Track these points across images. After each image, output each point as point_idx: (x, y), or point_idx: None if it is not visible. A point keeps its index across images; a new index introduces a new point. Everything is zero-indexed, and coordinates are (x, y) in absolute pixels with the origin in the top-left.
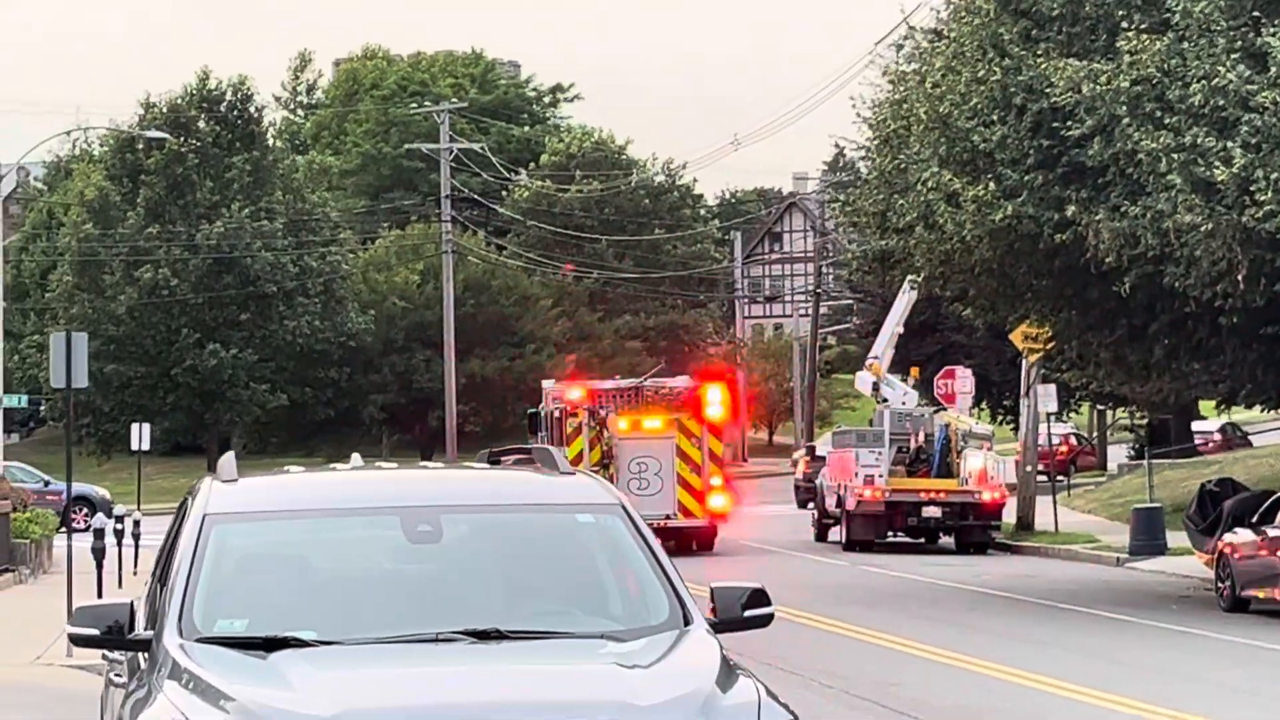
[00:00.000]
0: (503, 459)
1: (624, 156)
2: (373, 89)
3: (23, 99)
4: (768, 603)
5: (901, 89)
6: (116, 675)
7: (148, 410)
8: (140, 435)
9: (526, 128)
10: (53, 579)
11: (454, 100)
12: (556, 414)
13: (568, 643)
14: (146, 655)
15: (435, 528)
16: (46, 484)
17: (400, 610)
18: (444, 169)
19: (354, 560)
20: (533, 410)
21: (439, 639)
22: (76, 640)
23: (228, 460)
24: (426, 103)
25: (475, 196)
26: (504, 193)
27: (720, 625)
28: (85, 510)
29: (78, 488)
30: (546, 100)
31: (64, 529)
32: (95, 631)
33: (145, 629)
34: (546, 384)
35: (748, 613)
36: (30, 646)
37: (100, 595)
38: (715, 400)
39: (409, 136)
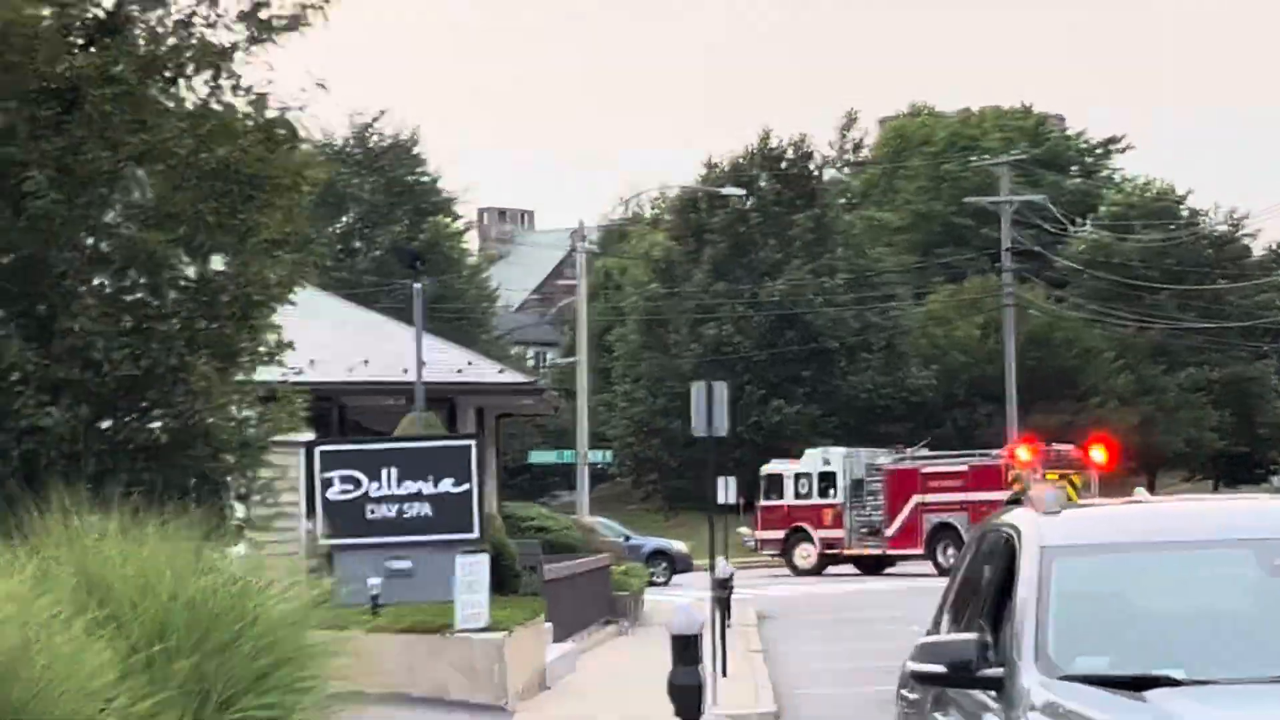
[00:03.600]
0: None
1: (1184, 206)
2: (923, 145)
3: (576, 160)
4: None
5: None
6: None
7: (715, 467)
8: (726, 489)
9: (1078, 180)
10: (648, 631)
11: (1008, 154)
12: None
13: None
14: (994, 695)
15: None
16: (627, 539)
17: (1269, 648)
18: (1004, 222)
19: (1203, 595)
20: (772, 472)
21: None
22: (920, 677)
23: (1051, 493)
24: (973, 158)
25: (1037, 249)
26: (1058, 245)
27: None
28: (665, 564)
29: (655, 542)
30: (1098, 152)
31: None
32: (940, 669)
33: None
34: (813, 451)
35: None
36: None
37: (705, 648)
38: (1096, 457)
39: (959, 192)
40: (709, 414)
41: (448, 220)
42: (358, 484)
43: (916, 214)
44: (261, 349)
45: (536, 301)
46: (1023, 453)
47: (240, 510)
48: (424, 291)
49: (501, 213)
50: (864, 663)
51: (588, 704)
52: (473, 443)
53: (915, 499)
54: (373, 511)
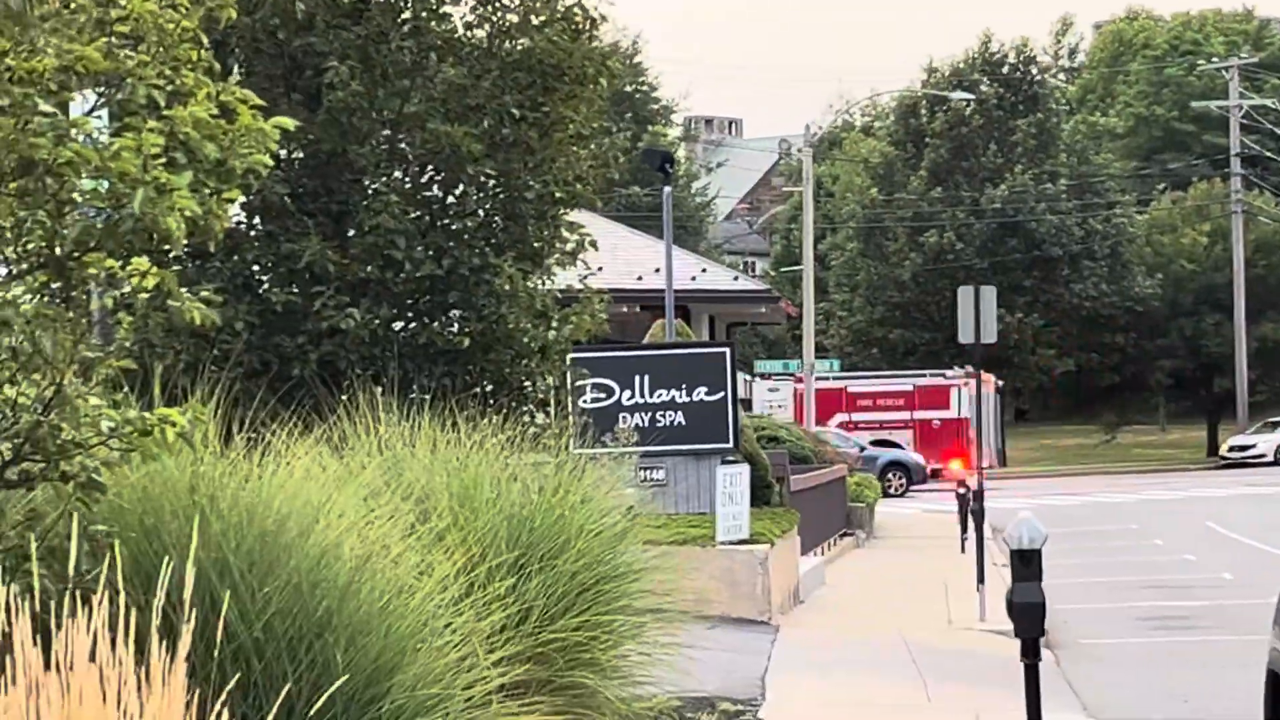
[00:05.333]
0: None
1: None
2: (1144, 48)
3: (783, 68)
4: None
5: None
6: None
7: None
8: (960, 400)
9: None
10: (883, 542)
11: (1233, 58)
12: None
13: None
14: None
15: None
16: (862, 449)
17: None
18: (1233, 127)
19: None
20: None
21: None
22: None
23: None
24: (1200, 62)
25: (1268, 154)
26: None
27: None
28: (900, 475)
29: (892, 453)
30: None
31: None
32: None
33: None
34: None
35: None
36: (928, 609)
37: (978, 557)
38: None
39: (1181, 98)
40: (977, 320)
41: (664, 130)
42: (610, 392)
43: (1138, 118)
44: (562, 248)
45: (744, 211)
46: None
47: (540, 417)
48: (671, 195)
49: (709, 121)
50: (1111, 577)
51: (847, 619)
52: (728, 350)
53: (839, 418)
54: (625, 420)
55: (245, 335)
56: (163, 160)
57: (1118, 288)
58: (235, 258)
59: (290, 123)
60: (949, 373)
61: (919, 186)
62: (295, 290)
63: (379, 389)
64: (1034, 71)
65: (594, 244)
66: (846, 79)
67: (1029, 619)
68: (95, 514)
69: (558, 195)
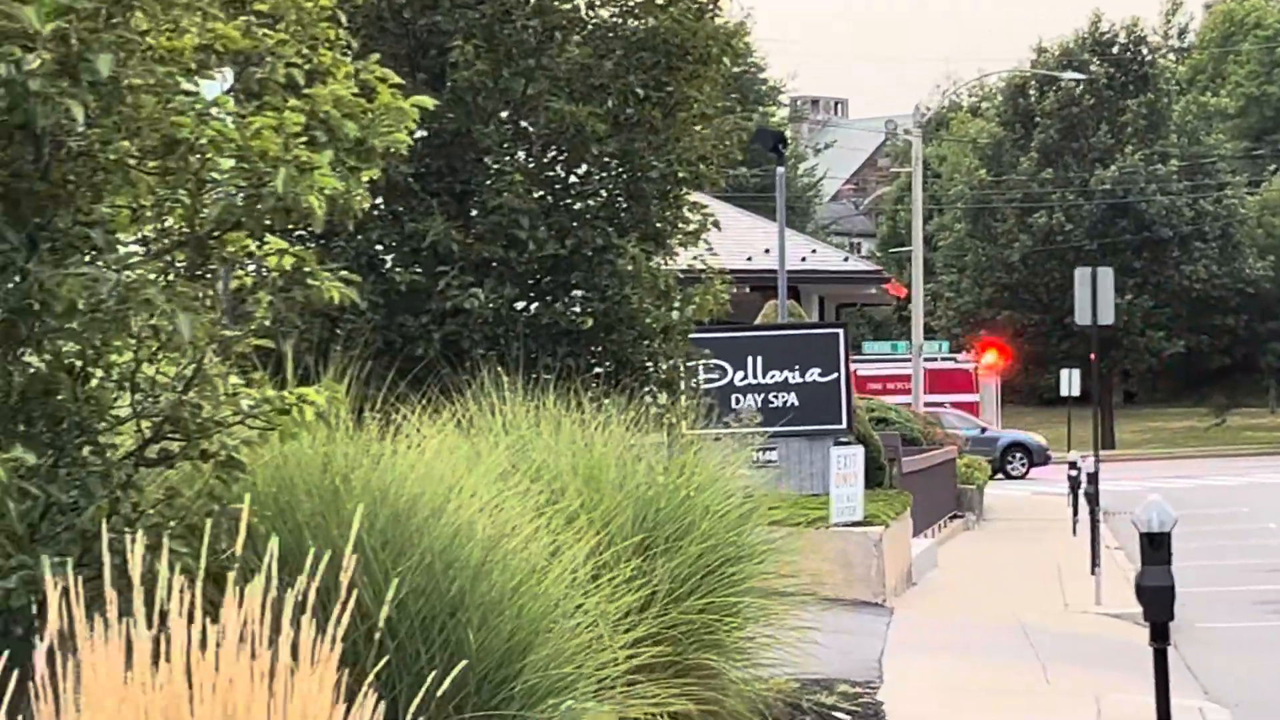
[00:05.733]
0: None
1: None
2: (1255, 28)
3: (886, 50)
4: None
5: None
6: None
7: (1041, 359)
8: (1070, 382)
9: None
10: (993, 525)
11: None
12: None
13: None
14: None
15: None
16: (983, 430)
17: None
18: None
19: None
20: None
21: None
22: None
23: None
24: None
25: None
26: None
27: None
28: (1022, 457)
29: (1012, 435)
30: None
31: (999, 475)
32: None
33: None
34: None
35: None
36: (1042, 592)
37: (1092, 539)
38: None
39: None
40: (1094, 302)
41: (771, 110)
42: (722, 372)
43: (1249, 99)
44: (685, 228)
45: (850, 192)
46: (990, 356)
47: (662, 398)
48: (785, 175)
49: (814, 102)
50: (1224, 561)
51: (961, 601)
52: (841, 331)
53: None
54: (738, 401)
55: (369, 315)
56: (303, 139)
57: (1229, 269)
58: (359, 237)
59: (430, 102)
60: (959, 357)
61: (1028, 167)
62: (419, 270)
63: (502, 369)
64: (1144, 51)
65: (716, 224)
66: (952, 60)
67: (1159, 603)
68: (234, 493)
69: (681, 175)
